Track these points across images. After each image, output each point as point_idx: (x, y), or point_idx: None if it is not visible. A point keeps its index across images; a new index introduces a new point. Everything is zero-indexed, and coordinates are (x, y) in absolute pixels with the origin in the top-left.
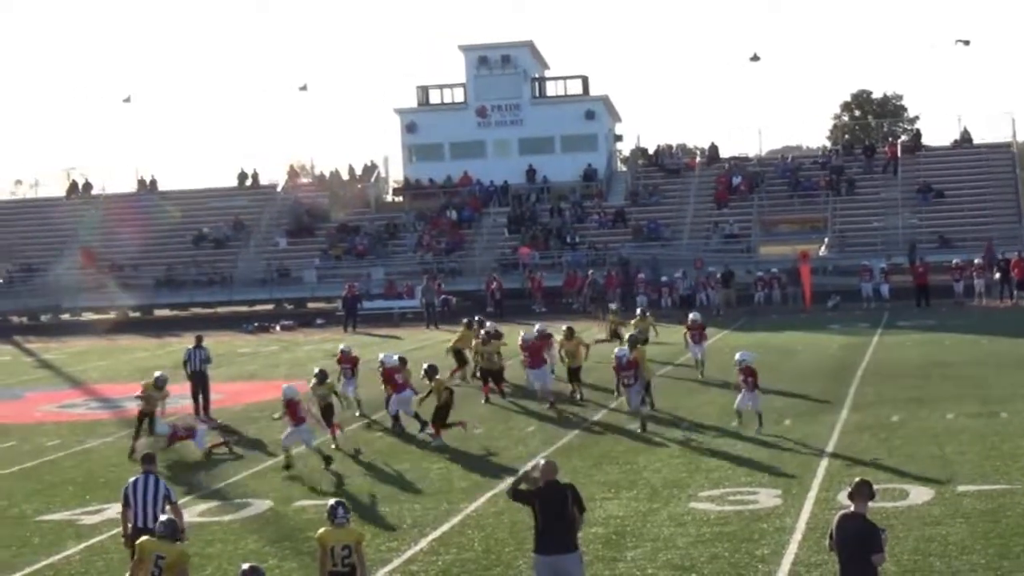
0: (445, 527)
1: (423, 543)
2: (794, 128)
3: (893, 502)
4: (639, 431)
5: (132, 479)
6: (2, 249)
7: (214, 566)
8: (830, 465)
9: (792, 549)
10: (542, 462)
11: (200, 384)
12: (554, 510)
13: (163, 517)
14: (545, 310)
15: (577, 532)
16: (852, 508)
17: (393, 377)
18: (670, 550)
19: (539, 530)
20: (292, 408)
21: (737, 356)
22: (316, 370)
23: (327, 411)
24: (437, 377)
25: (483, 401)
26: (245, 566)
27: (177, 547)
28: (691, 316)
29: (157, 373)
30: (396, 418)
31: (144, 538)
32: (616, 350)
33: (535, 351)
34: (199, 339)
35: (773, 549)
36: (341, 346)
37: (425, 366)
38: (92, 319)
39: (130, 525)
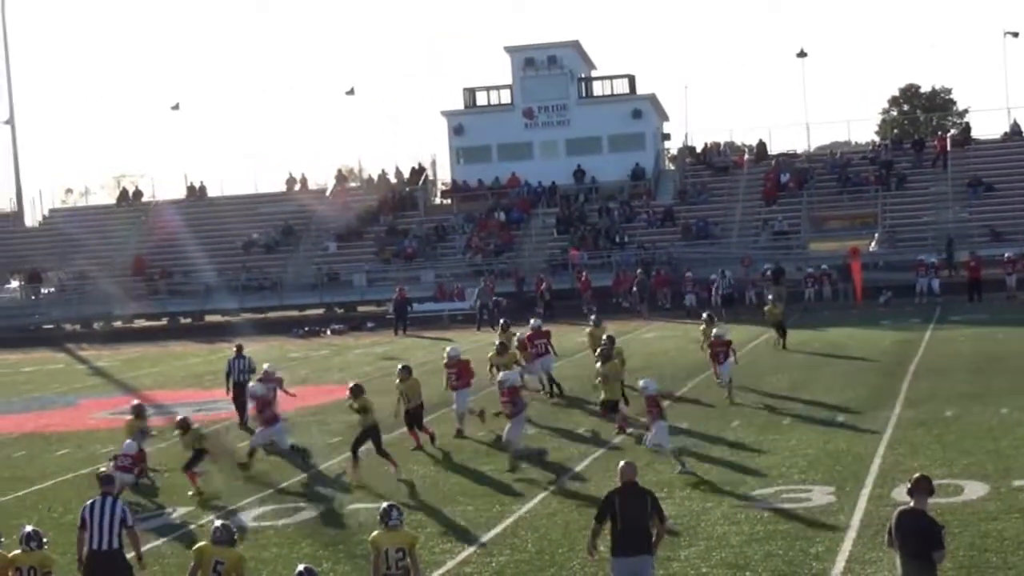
0: (498, 528)
1: (477, 544)
2: (843, 124)
3: (948, 498)
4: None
5: (89, 501)
6: (54, 258)
7: (269, 570)
8: (884, 462)
9: (847, 546)
10: (622, 464)
11: (243, 395)
12: (634, 512)
13: (218, 523)
14: (595, 309)
15: (658, 540)
16: (911, 504)
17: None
18: (724, 548)
19: (618, 531)
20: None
21: (640, 383)
22: (400, 366)
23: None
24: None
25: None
26: (300, 567)
27: (235, 552)
28: (714, 331)
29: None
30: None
31: (202, 543)
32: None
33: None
34: (239, 348)
35: (827, 546)
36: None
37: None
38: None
39: (85, 548)
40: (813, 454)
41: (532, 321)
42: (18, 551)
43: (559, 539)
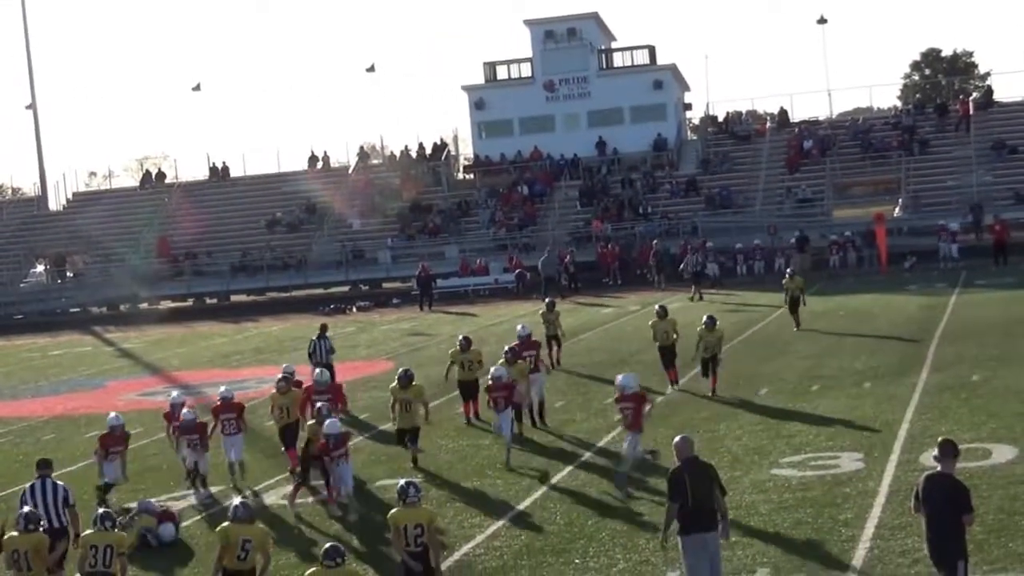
0: (527, 502)
1: (506, 518)
2: (864, 90)
3: (976, 462)
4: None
5: (29, 484)
6: (79, 241)
7: (297, 547)
8: (912, 427)
9: (876, 512)
10: (678, 439)
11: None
12: (703, 488)
13: (236, 500)
14: (620, 282)
15: (724, 514)
16: (938, 468)
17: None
18: (753, 517)
19: (689, 509)
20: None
21: (618, 380)
22: (460, 337)
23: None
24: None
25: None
26: (327, 546)
27: (260, 528)
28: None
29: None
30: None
31: (225, 524)
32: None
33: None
34: (323, 328)
35: (856, 513)
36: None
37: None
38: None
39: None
40: (841, 420)
41: (519, 328)
42: (90, 530)
43: (587, 512)
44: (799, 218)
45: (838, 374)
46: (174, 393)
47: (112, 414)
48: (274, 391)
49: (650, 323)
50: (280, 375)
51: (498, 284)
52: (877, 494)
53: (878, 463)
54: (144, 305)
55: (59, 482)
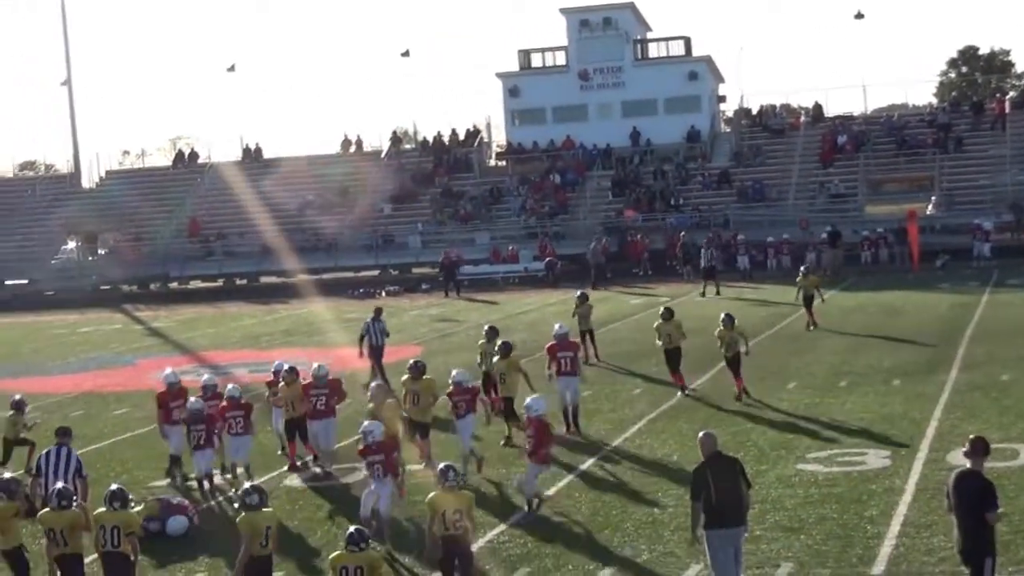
0: (552, 490)
1: (532, 506)
2: (900, 86)
3: (1004, 462)
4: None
5: (45, 450)
6: (111, 218)
7: (323, 530)
8: (940, 425)
9: (902, 510)
10: (702, 435)
11: (379, 358)
12: (728, 483)
13: (247, 484)
14: (651, 273)
15: (746, 508)
16: (968, 465)
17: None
18: (778, 512)
19: (713, 505)
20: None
21: (527, 401)
22: (486, 327)
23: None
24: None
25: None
26: (351, 529)
27: (274, 513)
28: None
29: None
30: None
31: (246, 514)
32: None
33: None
34: (378, 311)
35: (882, 510)
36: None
37: (500, 343)
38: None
39: (40, 494)
40: (869, 417)
41: (557, 327)
42: (101, 509)
43: (612, 501)
44: (831, 213)
45: (867, 371)
46: (168, 370)
47: (168, 370)
48: (281, 383)
49: (655, 325)
50: (286, 367)
51: (527, 272)
52: (903, 492)
53: (905, 461)
54: (174, 285)
55: (74, 451)
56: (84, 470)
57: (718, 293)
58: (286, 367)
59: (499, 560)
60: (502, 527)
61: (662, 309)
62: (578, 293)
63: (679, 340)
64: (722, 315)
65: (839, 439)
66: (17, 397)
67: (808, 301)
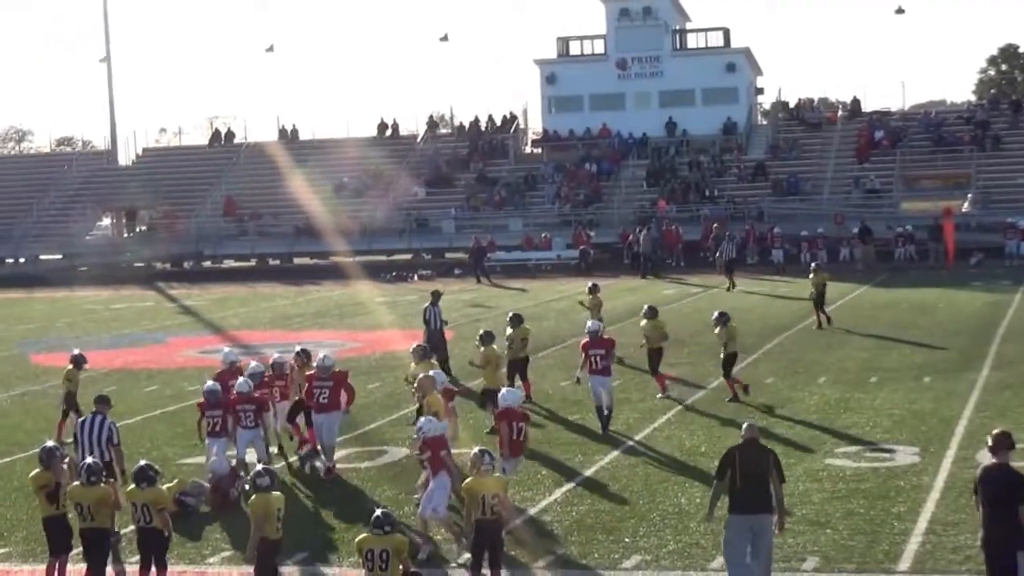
0: (579, 478)
1: (558, 493)
2: (938, 83)
3: None
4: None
5: (81, 419)
6: (147, 196)
7: (351, 510)
8: (970, 424)
9: (929, 507)
10: (745, 425)
11: (441, 342)
12: (755, 467)
13: (259, 467)
14: (683, 264)
15: (779, 502)
16: (994, 460)
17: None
18: (805, 505)
19: (737, 488)
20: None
21: (501, 392)
22: (511, 314)
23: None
24: (493, 345)
25: None
26: (377, 512)
27: (280, 494)
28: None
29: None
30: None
31: (258, 495)
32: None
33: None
34: (436, 295)
35: (910, 507)
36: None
37: (481, 332)
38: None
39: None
40: (898, 414)
41: (590, 324)
42: (131, 486)
43: (640, 490)
44: (866, 208)
45: (898, 367)
46: (227, 349)
47: (226, 349)
48: (294, 365)
49: (641, 324)
50: (298, 348)
51: (560, 260)
52: (932, 489)
53: (934, 458)
54: (207, 263)
55: (108, 420)
56: (117, 438)
57: (733, 287)
58: (298, 348)
59: (525, 548)
60: (531, 512)
61: (645, 307)
62: (589, 284)
63: (659, 341)
64: (715, 313)
65: (868, 435)
66: (76, 352)
67: (820, 299)
